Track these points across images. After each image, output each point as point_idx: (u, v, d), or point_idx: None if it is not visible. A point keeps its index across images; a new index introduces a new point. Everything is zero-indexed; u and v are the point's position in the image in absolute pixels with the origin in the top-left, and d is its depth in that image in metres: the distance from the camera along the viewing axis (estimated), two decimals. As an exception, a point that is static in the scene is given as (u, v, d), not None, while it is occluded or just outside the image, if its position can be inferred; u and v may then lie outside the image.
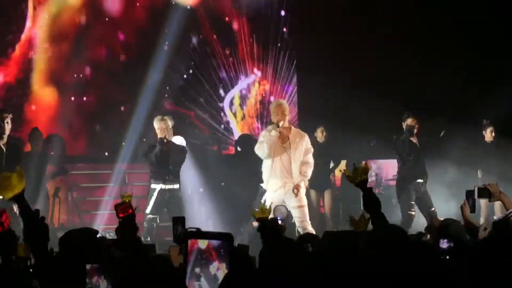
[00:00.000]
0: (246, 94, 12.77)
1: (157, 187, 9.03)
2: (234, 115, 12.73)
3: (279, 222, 5.67)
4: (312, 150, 8.88)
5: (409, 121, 9.70)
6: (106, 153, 10.40)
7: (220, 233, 3.69)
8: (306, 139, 8.85)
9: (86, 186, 11.06)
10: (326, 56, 12.14)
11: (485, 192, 5.69)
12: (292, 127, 8.90)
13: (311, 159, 8.81)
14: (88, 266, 3.84)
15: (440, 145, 10.34)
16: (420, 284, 3.62)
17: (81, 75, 11.83)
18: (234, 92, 12.70)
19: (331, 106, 11.99)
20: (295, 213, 8.60)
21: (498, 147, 10.47)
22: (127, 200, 4.94)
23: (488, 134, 10.57)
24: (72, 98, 11.77)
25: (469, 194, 5.78)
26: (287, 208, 8.13)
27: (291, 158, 8.66)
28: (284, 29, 12.85)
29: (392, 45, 11.92)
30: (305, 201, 8.71)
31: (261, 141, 8.69)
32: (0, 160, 8.21)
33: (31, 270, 4.34)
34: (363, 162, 4.88)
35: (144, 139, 10.28)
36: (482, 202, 9.15)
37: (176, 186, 9.14)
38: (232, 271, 3.18)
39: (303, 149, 8.75)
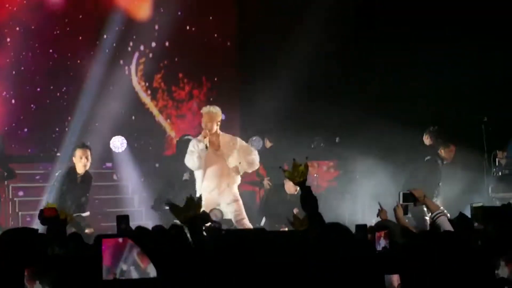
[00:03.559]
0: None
1: None
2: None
3: (214, 225, 5.68)
4: (251, 148, 8.92)
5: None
6: (42, 154, 10.31)
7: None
8: (239, 141, 8.82)
9: (25, 186, 10.93)
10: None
11: (409, 197, 5.82)
12: (221, 133, 8.75)
13: (255, 159, 8.78)
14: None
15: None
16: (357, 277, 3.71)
17: (21, 69, 11.67)
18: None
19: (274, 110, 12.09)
20: (230, 209, 8.61)
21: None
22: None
23: (428, 140, 10.78)
24: (8, 95, 11.61)
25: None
26: (221, 212, 8.21)
27: (224, 165, 8.66)
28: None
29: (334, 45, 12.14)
30: (239, 197, 8.73)
31: (191, 151, 8.62)
32: None
33: None
34: (303, 163, 4.86)
35: None
36: None
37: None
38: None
39: (237, 153, 8.71)
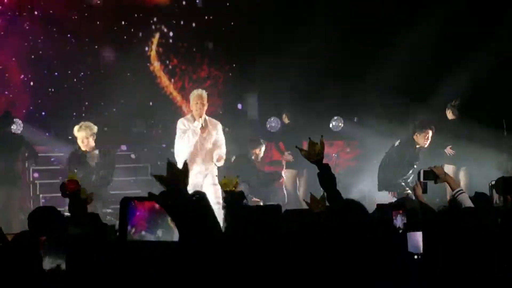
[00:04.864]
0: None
1: None
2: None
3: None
4: (223, 140, 9.02)
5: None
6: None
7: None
8: (219, 128, 9.02)
9: (41, 169, 11.02)
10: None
11: (430, 175, 5.77)
12: (207, 117, 8.94)
13: (224, 150, 8.99)
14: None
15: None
16: (377, 258, 3.69)
17: (39, 53, 11.73)
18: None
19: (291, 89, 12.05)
20: (209, 191, 8.58)
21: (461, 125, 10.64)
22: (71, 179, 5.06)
23: (450, 114, 10.71)
24: (26, 79, 11.67)
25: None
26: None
27: (207, 147, 8.83)
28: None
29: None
30: (217, 181, 8.80)
31: (183, 129, 8.74)
32: None
33: None
34: (319, 141, 4.81)
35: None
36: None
37: None
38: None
39: (216, 138, 8.92)
